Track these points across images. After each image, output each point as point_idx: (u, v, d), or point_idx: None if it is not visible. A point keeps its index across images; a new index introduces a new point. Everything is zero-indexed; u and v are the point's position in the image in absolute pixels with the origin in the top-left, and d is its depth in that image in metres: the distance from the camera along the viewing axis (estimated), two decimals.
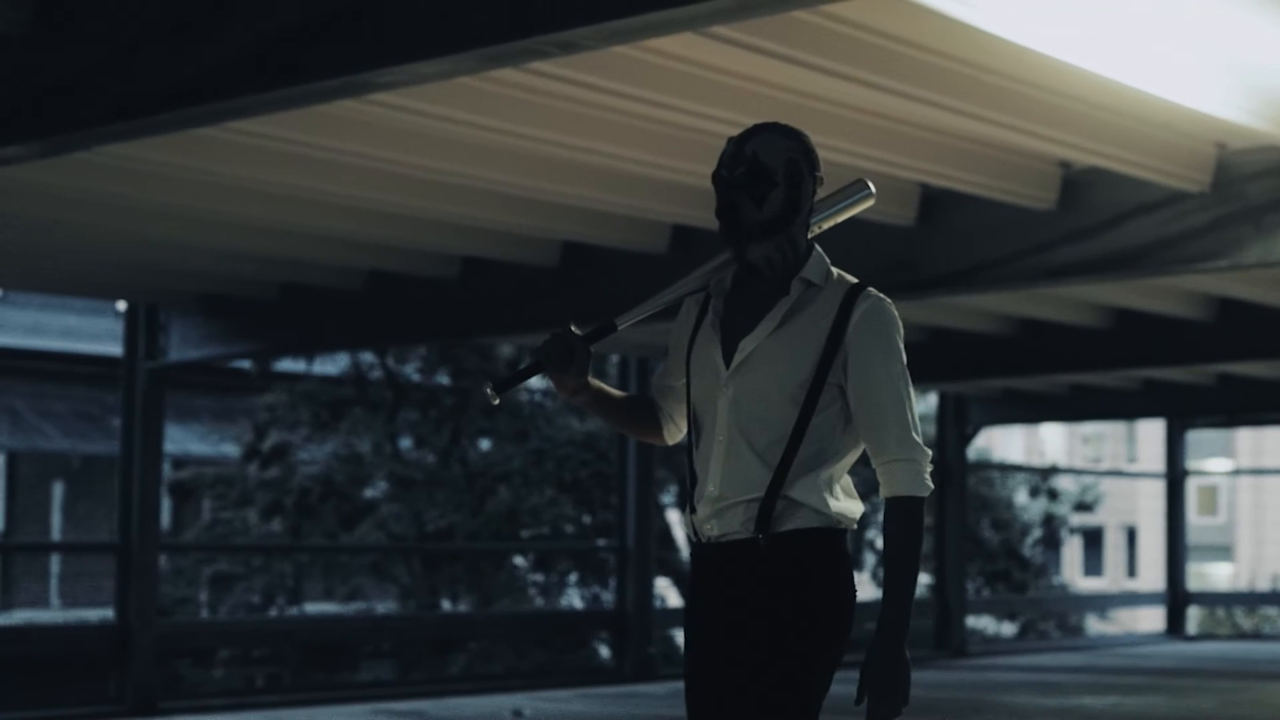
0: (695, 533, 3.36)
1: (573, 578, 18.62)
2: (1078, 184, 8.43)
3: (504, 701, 11.97)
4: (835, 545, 3.29)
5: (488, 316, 10.51)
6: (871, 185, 3.57)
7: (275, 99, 5.04)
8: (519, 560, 18.56)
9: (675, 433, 3.54)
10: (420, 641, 16.57)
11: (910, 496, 3.24)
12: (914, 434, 3.26)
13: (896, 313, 3.32)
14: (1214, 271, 8.79)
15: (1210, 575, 44.03)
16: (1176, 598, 20.62)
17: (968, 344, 13.63)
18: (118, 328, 28.46)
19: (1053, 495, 24.06)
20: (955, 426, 17.51)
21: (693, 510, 3.36)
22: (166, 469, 21.87)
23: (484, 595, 17.89)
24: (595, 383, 3.47)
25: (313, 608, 18.83)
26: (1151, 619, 34.06)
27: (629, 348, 13.70)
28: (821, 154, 7.68)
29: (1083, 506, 25.28)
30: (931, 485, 3.29)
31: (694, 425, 3.38)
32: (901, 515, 3.24)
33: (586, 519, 18.45)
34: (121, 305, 10.84)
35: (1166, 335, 12.66)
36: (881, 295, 3.31)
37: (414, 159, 7.71)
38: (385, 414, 17.64)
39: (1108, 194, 8.30)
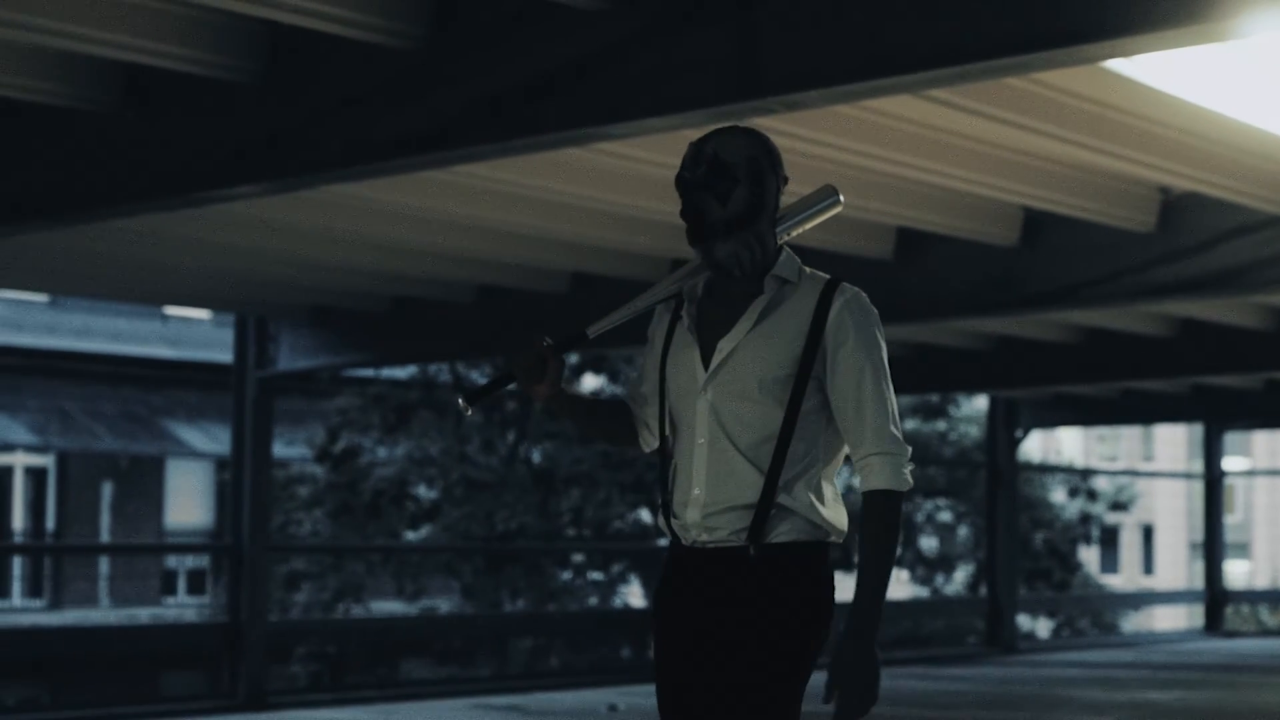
0: (676, 535, 3.32)
1: (633, 577, 19.14)
2: (1176, 208, 8.94)
3: (598, 696, 12.47)
4: (823, 559, 3.26)
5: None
6: (840, 194, 3.51)
7: (508, 148, 5.53)
8: (577, 558, 19.08)
9: (650, 440, 3.48)
10: (499, 637, 17.12)
11: (889, 490, 3.20)
12: (893, 428, 3.23)
13: (870, 305, 3.29)
14: None
15: (1226, 573, 44.50)
16: (1214, 595, 21.10)
17: (1033, 352, 14.11)
18: (165, 330, 28.92)
19: (1091, 495, 24.59)
20: (1005, 429, 17.99)
21: (673, 514, 3.32)
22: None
23: (543, 594, 18.40)
24: (569, 389, 3.45)
25: (378, 606, 19.36)
26: (1172, 617, 34.57)
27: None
28: (920, 175, 8.22)
29: (1118, 506, 25.80)
30: (910, 481, 3.24)
31: (672, 429, 3.33)
32: (880, 510, 3.20)
33: (647, 518, 18.98)
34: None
35: (1227, 344, 13.14)
36: (859, 290, 3.29)
37: (557, 185, 8.17)
38: (453, 418, 18.15)
39: (1205, 218, 8.81)
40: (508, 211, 9.00)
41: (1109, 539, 48.04)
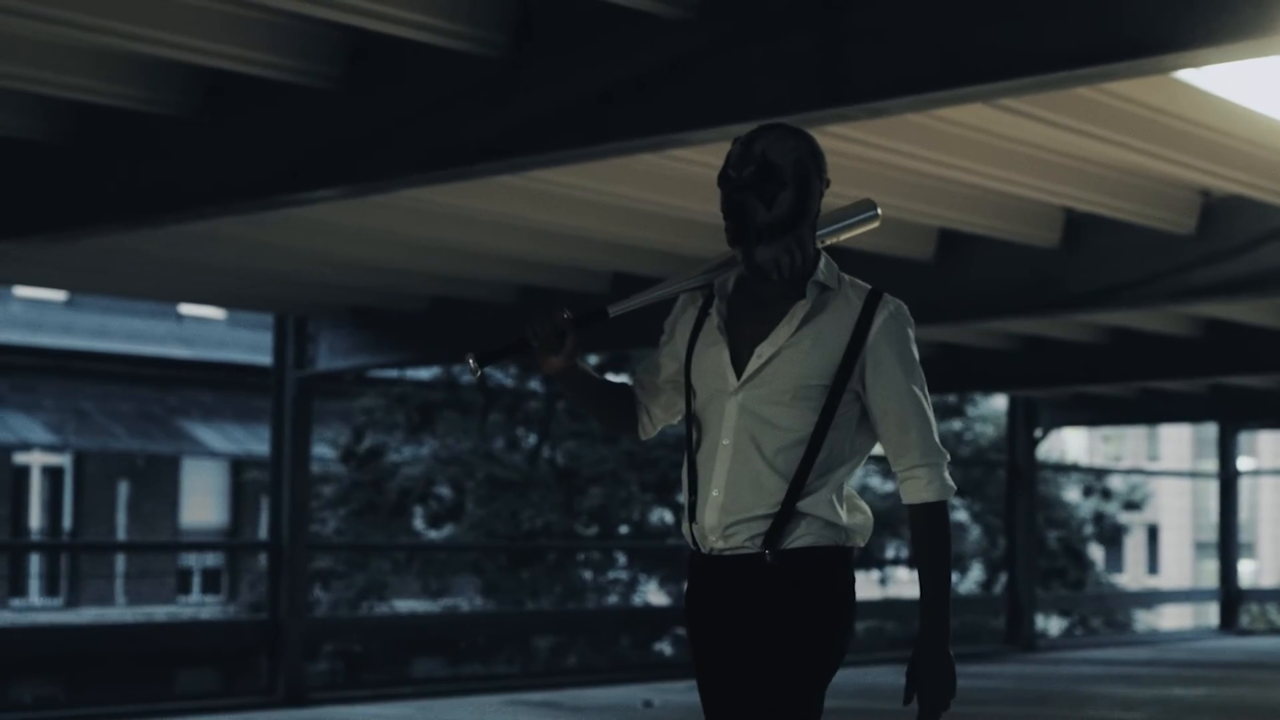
0: (695, 542, 3.30)
1: (650, 575, 19.29)
2: (1217, 210, 9.09)
3: (631, 693, 12.61)
4: (843, 564, 3.25)
5: (646, 333, 11.11)
6: (879, 208, 3.51)
7: (589, 153, 5.67)
8: (598, 555, 19.25)
9: (649, 429, 3.46)
10: (523, 635, 17.30)
11: (938, 502, 3.24)
12: (935, 438, 3.26)
13: (910, 318, 3.28)
14: None
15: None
16: (1229, 594, 21.26)
17: (1057, 351, 14.25)
18: (180, 330, 29.02)
19: (1107, 495, 24.75)
20: (1025, 429, 18.14)
21: (692, 518, 3.30)
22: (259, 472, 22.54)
23: (566, 592, 18.56)
24: (582, 365, 3.42)
25: (400, 604, 19.51)
26: (1178, 616, 34.71)
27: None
28: (963, 176, 8.34)
29: (1131, 505, 25.96)
30: (954, 485, 3.28)
31: (696, 429, 3.30)
32: (931, 521, 3.24)
33: (669, 518, 19.14)
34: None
35: (1250, 344, 13.28)
36: (900, 302, 3.28)
37: (621, 189, 8.31)
38: (478, 416, 18.30)
39: (1246, 220, 8.95)
40: (552, 212, 9.11)
41: (1113, 538, 48.26)
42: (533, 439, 18.79)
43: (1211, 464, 46.24)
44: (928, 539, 3.23)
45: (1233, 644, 19.27)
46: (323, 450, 21.23)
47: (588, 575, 19.29)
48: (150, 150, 6.70)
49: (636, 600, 20.16)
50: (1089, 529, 24.36)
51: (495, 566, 18.17)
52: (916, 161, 8.00)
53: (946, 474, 3.26)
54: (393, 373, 19.35)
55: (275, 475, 12.42)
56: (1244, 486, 48.31)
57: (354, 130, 6.19)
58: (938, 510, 3.24)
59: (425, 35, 5.75)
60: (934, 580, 3.22)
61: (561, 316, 3.30)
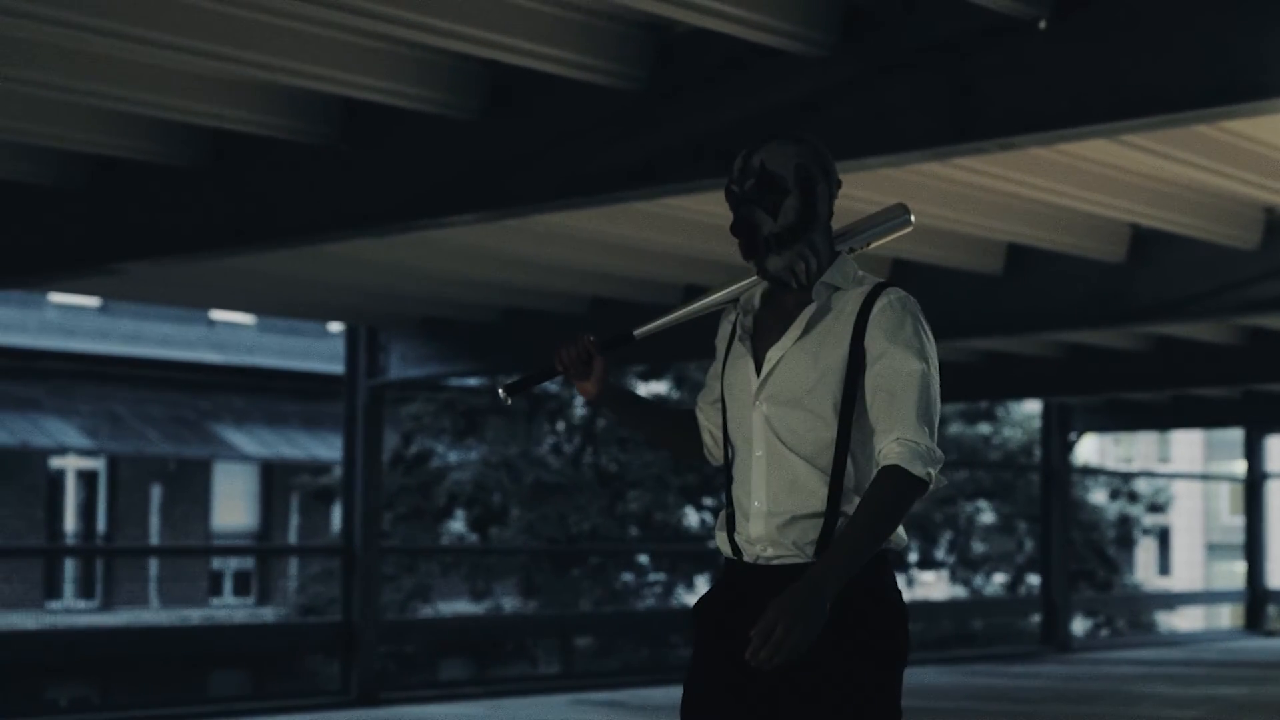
0: (736, 551, 3.22)
1: (699, 578, 19.64)
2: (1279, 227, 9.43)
3: None
4: (889, 567, 3.18)
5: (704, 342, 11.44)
6: (911, 214, 3.44)
7: (712, 184, 6.00)
8: (642, 559, 19.62)
9: (716, 452, 3.41)
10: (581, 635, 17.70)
11: (906, 470, 3.06)
12: (925, 427, 3.10)
13: (919, 310, 3.20)
14: None
15: (1239, 574, 44.91)
16: (1256, 595, 21.58)
17: (1101, 360, 14.57)
18: (211, 335, 29.34)
19: (1133, 498, 25.13)
20: (1059, 433, 18.47)
21: (733, 529, 3.24)
22: (307, 476, 22.83)
23: (609, 594, 18.92)
24: (627, 392, 3.42)
25: (445, 606, 19.88)
26: (1191, 617, 35.00)
27: None
28: (1032, 193, 8.68)
29: (1155, 508, 26.33)
30: (930, 478, 3.09)
31: (729, 442, 3.28)
32: (891, 481, 3.06)
33: (710, 519, 19.50)
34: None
35: None
36: (904, 292, 3.20)
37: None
38: (524, 422, 18.68)
39: None
40: (626, 226, 9.36)
41: (1138, 541, 48.51)
42: (575, 443, 19.16)
43: (1223, 466, 46.60)
44: (879, 494, 3.05)
45: (1261, 644, 19.61)
46: None
47: (628, 578, 19.65)
48: (289, 175, 7.04)
49: (674, 603, 20.54)
50: (1111, 532, 24.72)
51: (542, 570, 18.56)
52: (987, 179, 8.30)
53: (928, 459, 3.08)
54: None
55: (348, 481, 12.77)
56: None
57: (492, 157, 6.52)
58: (901, 477, 3.05)
59: (566, 69, 6.08)
60: (861, 534, 3.02)
61: (587, 341, 3.36)
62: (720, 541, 3.26)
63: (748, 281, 3.33)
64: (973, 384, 15.25)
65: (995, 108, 5.42)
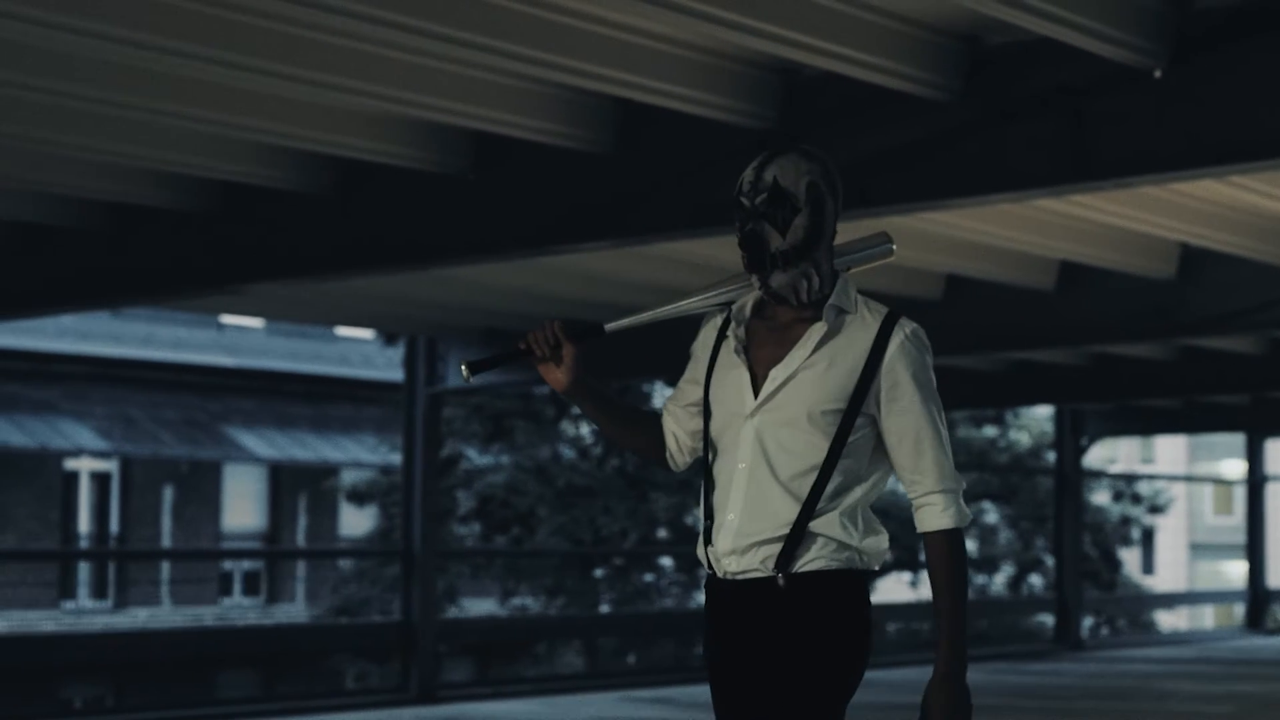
0: (711, 566, 3.29)
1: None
2: None
3: None
4: (858, 587, 3.23)
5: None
6: (893, 242, 3.50)
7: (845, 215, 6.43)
8: (665, 561, 20.10)
9: (679, 458, 3.45)
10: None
11: (955, 529, 3.20)
12: (950, 464, 3.23)
13: (929, 343, 3.28)
14: None
15: (1226, 574, 45.45)
16: (1258, 594, 22.11)
17: (1121, 367, 15.03)
18: (222, 339, 29.64)
19: (1136, 499, 25.68)
20: (1072, 437, 18.95)
21: (709, 541, 3.28)
22: (343, 478, 23.17)
23: (636, 593, 19.39)
24: (597, 387, 3.44)
25: (470, 605, 20.31)
26: (1172, 617, 35.50)
27: None
28: (1085, 213, 9.17)
29: (1155, 509, 26.89)
30: (969, 514, 3.25)
31: (712, 452, 3.29)
32: (946, 550, 3.19)
33: None
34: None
35: None
36: (916, 325, 3.26)
37: None
38: (551, 425, 19.12)
39: None
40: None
41: (1139, 541, 48.97)
42: (600, 447, 19.62)
43: (1206, 467, 47.17)
44: (944, 568, 3.20)
45: (1265, 643, 20.12)
46: (395, 458, 21.97)
47: (649, 578, 20.11)
48: (421, 203, 7.46)
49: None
50: (1119, 532, 25.27)
51: (573, 572, 19.03)
52: (1044, 199, 8.76)
53: (962, 501, 3.24)
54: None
55: (407, 486, 13.19)
56: (1238, 489, 49.12)
57: (620, 189, 6.96)
58: (954, 538, 3.21)
59: (692, 107, 6.51)
60: (952, 609, 3.18)
61: (556, 327, 3.37)
62: (699, 553, 3.35)
63: (728, 288, 3.35)
64: (996, 391, 15.73)
65: (1112, 150, 5.87)
